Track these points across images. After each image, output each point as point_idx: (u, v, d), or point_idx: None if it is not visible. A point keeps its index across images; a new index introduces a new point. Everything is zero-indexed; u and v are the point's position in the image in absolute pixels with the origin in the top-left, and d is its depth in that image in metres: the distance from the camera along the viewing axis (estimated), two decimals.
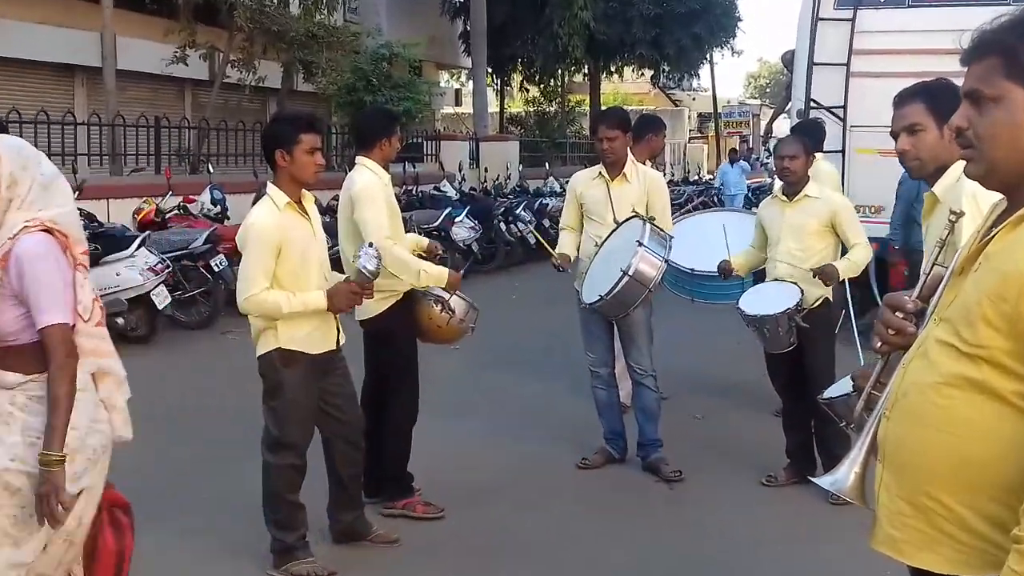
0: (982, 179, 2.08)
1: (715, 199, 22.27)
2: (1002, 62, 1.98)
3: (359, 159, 5.41)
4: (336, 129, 18.91)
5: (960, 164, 3.32)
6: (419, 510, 5.41)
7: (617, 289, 5.72)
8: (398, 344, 5.42)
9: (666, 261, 5.89)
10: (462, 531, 5.25)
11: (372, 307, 5.18)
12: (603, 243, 6.08)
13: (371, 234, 5.06)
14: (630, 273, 5.68)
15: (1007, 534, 1.90)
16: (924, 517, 2.04)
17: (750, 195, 22.76)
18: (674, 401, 7.25)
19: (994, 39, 2.02)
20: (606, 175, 6.23)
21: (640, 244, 5.73)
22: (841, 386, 4.59)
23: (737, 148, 28.87)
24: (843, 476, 2.14)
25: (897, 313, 2.23)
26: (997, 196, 2.13)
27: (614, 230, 6.07)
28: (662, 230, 5.97)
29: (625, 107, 31.28)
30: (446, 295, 5.37)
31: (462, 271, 6.06)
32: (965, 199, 3.26)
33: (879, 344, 2.25)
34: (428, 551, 4.99)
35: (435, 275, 5.30)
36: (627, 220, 6.02)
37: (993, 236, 2.03)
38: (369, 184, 5.24)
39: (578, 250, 6.30)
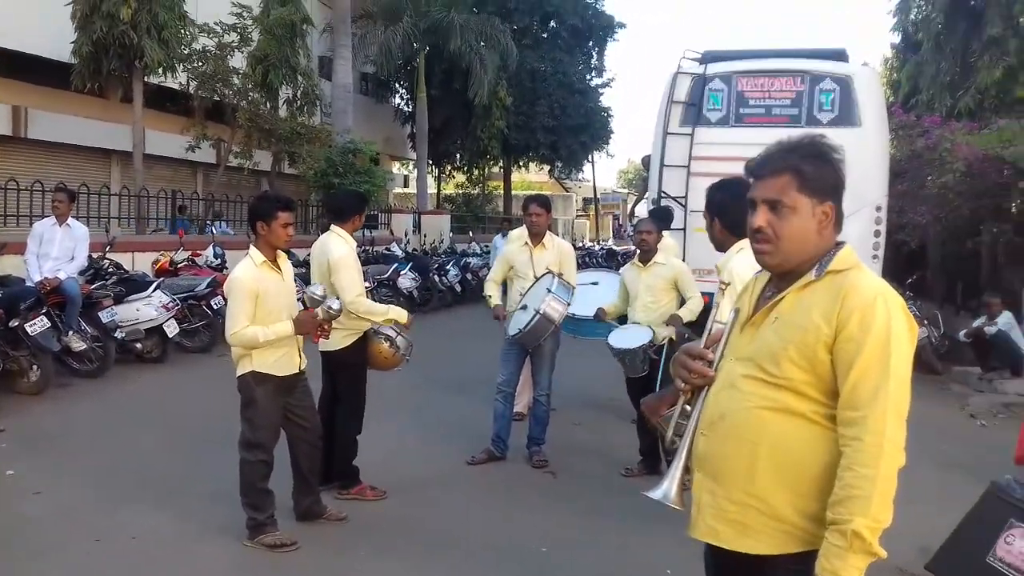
0: (776, 267, 2.04)
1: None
2: (795, 180, 1.98)
3: (334, 227, 5.26)
4: (312, 203, 18.69)
5: (735, 247, 3.55)
6: (369, 494, 5.26)
7: (532, 325, 5.73)
8: (355, 371, 5.28)
9: (568, 304, 5.86)
10: (389, 511, 5.12)
11: (338, 341, 5.08)
12: (526, 293, 6.06)
13: (348, 293, 4.99)
14: (540, 312, 5.71)
15: (811, 518, 1.89)
16: (745, 512, 1.97)
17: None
18: (559, 413, 7.19)
19: (786, 161, 2.00)
20: (530, 243, 6.20)
21: (549, 291, 5.77)
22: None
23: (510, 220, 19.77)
24: (667, 489, 2.09)
25: (697, 360, 2.13)
26: (751, 271, 2.10)
27: (534, 284, 6.04)
28: (567, 282, 5.97)
29: (528, 192, 31.37)
30: (393, 334, 5.26)
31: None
32: (725, 272, 3.55)
33: (683, 385, 2.14)
34: (367, 527, 4.84)
35: (397, 314, 5.24)
36: (543, 276, 6.01)
37: (782, 298, 2.02)
38: (347, 253, 5.12)
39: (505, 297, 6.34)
